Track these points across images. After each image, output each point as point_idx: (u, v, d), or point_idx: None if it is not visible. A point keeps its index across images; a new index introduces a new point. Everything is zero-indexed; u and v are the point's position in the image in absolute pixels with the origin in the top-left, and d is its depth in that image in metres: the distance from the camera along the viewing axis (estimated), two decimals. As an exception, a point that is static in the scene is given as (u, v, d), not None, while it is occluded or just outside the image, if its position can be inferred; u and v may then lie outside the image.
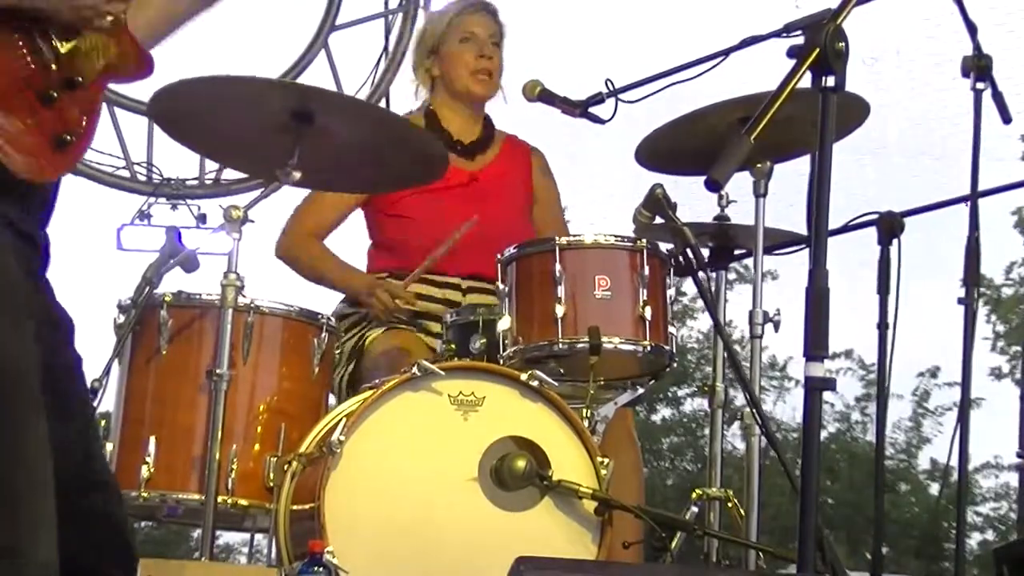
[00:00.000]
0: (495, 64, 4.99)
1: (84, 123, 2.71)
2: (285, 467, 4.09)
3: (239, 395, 4.26)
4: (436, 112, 5.00)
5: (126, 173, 8.05)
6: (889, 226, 4.34)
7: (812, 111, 2.86)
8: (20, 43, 2.62)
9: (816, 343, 2.84)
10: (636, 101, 4.77)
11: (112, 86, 2.96)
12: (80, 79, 2.69)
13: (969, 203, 4.27)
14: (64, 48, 2.67)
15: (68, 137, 2.65)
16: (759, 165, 4.51)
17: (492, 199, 4.90)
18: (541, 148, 5.19)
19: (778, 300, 4.56)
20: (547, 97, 4.83)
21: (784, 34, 4.28)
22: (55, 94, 2.64)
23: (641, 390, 4.46)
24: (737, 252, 4.80)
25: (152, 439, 4.21)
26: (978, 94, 4.22)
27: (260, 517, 4.35)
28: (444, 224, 4.71)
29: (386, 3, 8.68)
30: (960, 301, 4.27)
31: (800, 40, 2.92)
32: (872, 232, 4.38)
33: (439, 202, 4.81)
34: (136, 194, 8.11)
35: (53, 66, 2.65)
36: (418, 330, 4.75)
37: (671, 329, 4.30)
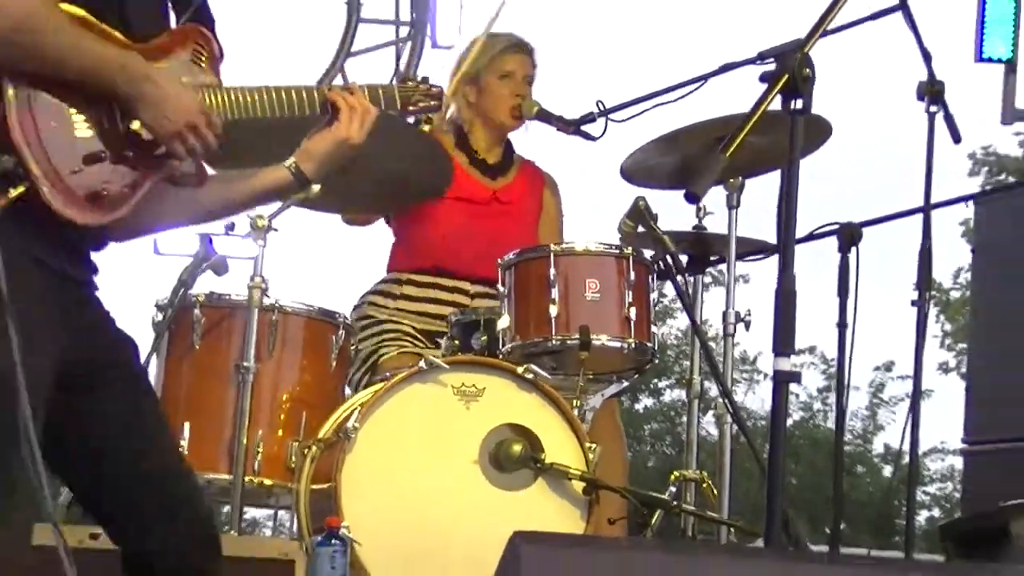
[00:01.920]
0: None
1: (127, 192, 2.66)
2: (305, 451, 4.08)
3: (264, 386, 4.25)
4: (468, 133, 4.98)
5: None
6: (849, 235, 4.34)
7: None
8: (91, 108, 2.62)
9: (783, 340, 2.84)
10: (624, 120, 4.77)
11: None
12: (130, 154, 2.66)
13: (922, 215, 4.27)
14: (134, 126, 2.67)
15: (103, 192, 2.61)
16: (732, 180, 4.51)
17: (508, 217, 4.89)
18: (531, 160, 5.17)
19: (749, 302, 4.56)
20: (544, 116, 4.83)
21: (758, 61, 4.28)
22: (104, 156, 2.63)
23: (626, 383, 4.46)
24: (712, 258, 4.79)
25: (187, 425, 4.19)
26: (931, 116, 4.22)
27: (283, 495, 4.33)
28: (463, 233, 4.72)
29: (396, 33, 8.69)
30: (913, 303, 4.27)
31: (772, 67, 2.92)
32: (833, 241, 4.38)
33: (461, 213, 4.79)
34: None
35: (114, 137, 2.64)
36: (428, 341, 4.72)
37: (653, 328, 4.29)
